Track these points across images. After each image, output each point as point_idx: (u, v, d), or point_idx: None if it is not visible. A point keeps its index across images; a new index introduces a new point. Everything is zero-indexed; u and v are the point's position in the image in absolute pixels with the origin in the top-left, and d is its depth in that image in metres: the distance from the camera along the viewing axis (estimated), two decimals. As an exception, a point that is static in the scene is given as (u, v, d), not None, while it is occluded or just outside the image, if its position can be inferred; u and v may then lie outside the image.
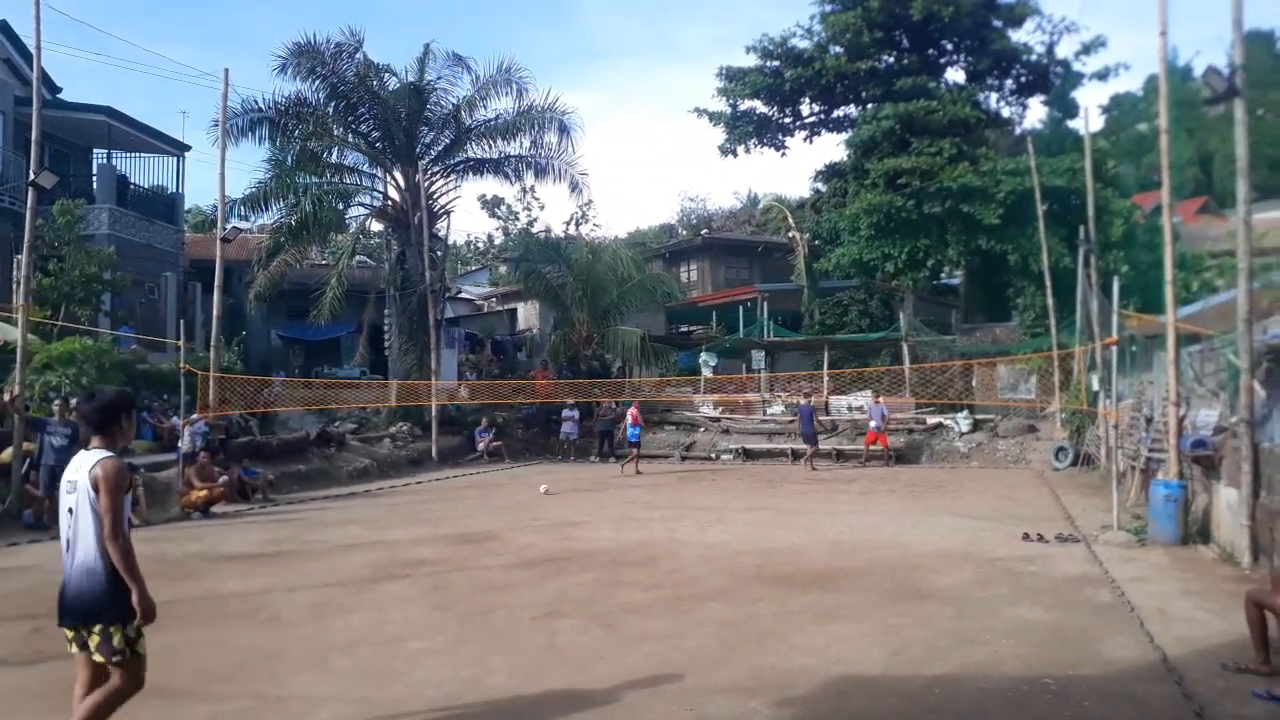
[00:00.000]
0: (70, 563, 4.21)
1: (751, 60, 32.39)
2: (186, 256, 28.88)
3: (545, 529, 12.76)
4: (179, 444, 15.94)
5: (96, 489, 4.11)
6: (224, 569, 10.02)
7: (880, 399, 23.93)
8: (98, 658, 4.22)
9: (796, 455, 23.40)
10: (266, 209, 26.29)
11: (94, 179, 26.54)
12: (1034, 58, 31.80)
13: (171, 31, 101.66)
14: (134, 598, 4.17)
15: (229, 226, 20.91)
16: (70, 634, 4.25)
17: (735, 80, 32.80)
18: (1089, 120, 23.37)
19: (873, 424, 22.78)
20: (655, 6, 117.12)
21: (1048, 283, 23.89)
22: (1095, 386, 17.81)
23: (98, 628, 4.17)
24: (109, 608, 4.17)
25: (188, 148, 29.12)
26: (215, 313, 18.97)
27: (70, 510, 4.22)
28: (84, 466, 4.18)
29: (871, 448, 22.66)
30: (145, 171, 29.06)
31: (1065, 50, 32.38)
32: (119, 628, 4.21)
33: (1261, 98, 36.76)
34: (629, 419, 22.57)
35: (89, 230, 22.89)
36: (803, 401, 23.28)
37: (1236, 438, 9.74)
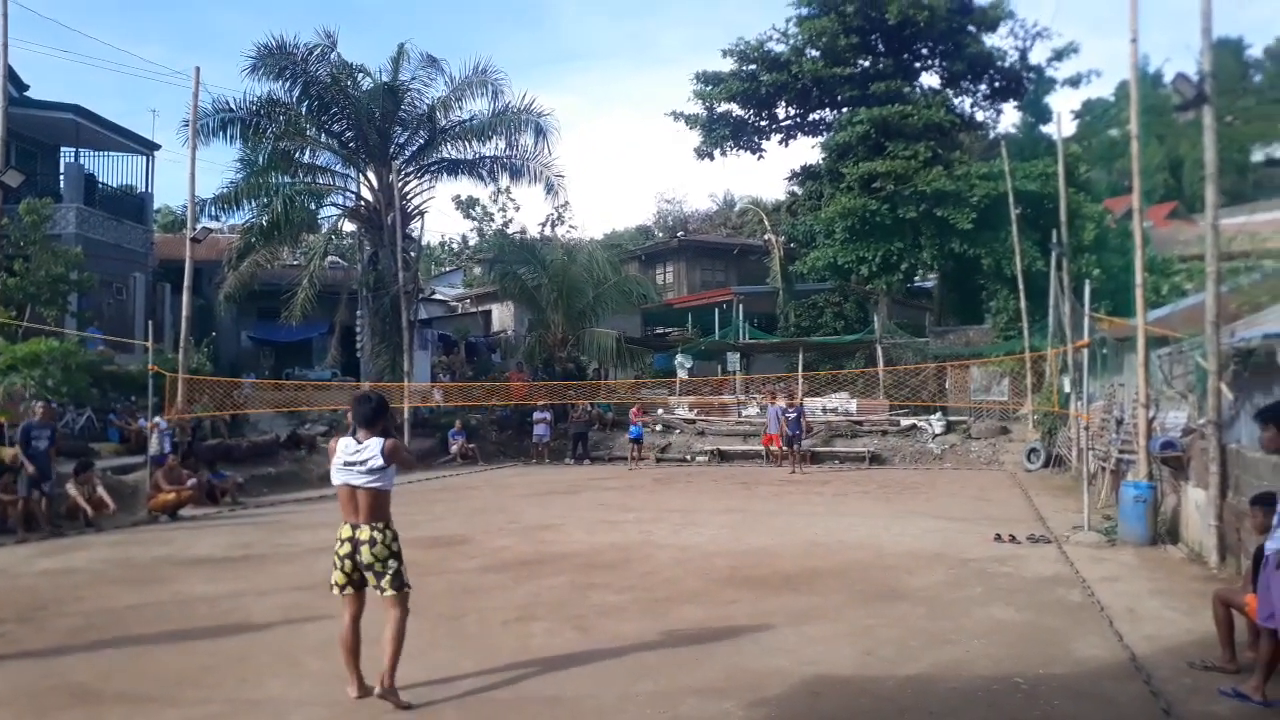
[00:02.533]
0: (361, 520, 5.46)
1: (728, 64, 32.44)
2: (155, 257, 28.51)
3: (519, 532, 12.70)
4: (147, 446, 15.72)
5: (388, 458, 5.42)
6: (192, 573, 9.89)
7: (786, 401, 23.65)
8: (388, 592, 5.47)
9: (770, 456, 23.40)
10: (238, 209, 26.07)
11: (61, 178, 26.14)
12: (1007, 63, 32.02)
13: (141, 30, 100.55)
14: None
15: (199, 226, 20.72)
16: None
17: (711, 84, 32.84)
18: (1061, 125, 23.72)
19: (774, 427, 22.59)
20: (630, 9, 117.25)
21: (1020, 286, 24.10)
22: (1067, 388, 17.97)
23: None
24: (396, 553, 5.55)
25: (157, 147, 28.76)
26: (184, 313, 18.78)
27: (356, 485, 5.43)
28: (367, 450, 5.41)
29: (770, 448, 22.98)
30: (114, 171, 28.66)
31: (1038, 56, 32.51)
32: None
33: (1230, 104, 37.39)
34: (630, 417, 24.55)
35: (56, 230, 22.53)
36: (784, 404, 22.42)
37: (1204, 439, 9.86)
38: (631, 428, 24.46)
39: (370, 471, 5.42)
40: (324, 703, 5.56)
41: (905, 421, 25.17)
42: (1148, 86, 25.51)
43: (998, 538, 11.30)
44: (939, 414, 24.94)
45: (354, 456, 5.44)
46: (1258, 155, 44.55)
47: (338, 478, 5.50)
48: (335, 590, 5.55)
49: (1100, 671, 6.06)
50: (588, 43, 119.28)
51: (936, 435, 24.25)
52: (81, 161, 26.57)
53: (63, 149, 26.91)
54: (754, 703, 5.47)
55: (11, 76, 16.59)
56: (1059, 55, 31.47)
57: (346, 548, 5.47)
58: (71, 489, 13.42)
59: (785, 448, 22.08)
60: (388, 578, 5.46)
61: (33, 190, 21.90)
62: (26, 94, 25.77)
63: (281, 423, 22.91)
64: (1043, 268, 23.89)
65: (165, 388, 17.29)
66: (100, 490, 13.79)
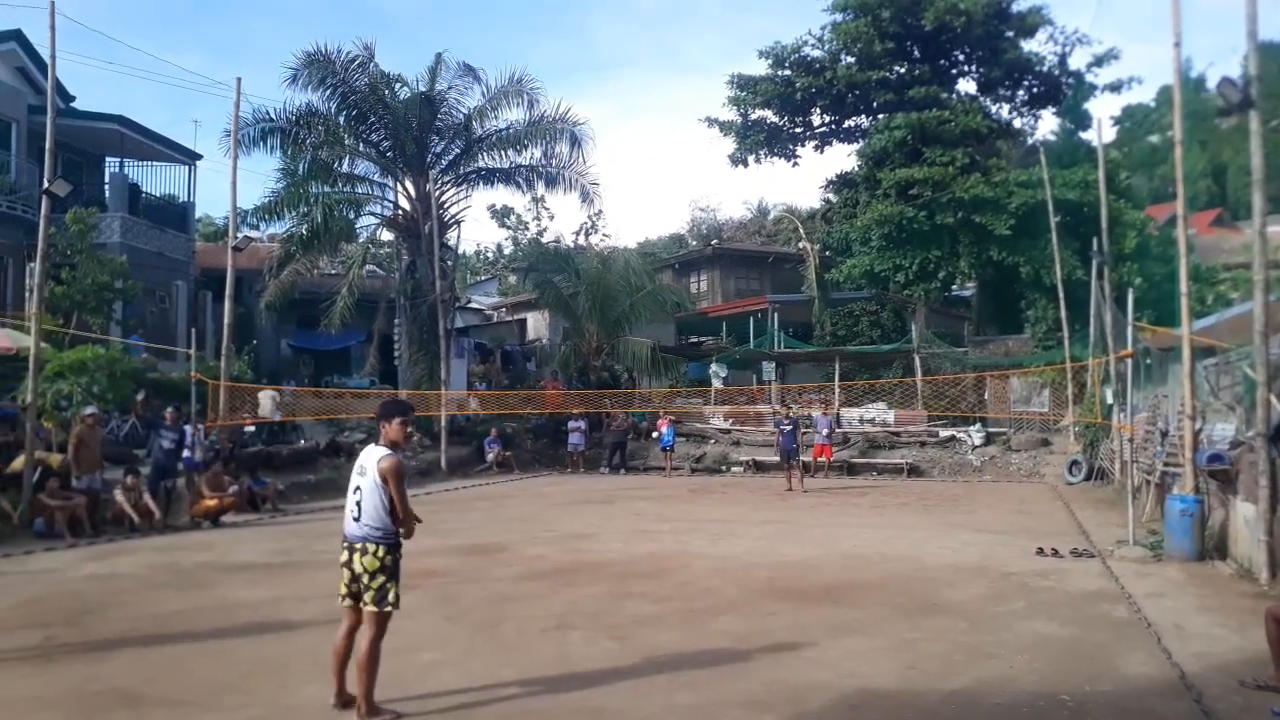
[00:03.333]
0: (359, 527, 5.45)
1: (763, 67, 32.42)
2: (197, 265, 28.94)
3: (555, 541, 12.71)
4: (189, 454, 15.95)
5: (383, 475, 5.41)
6: (234, 578, 10.01)
7: (827, 410, 23.85)
8: (369, 607, 5.41)
9: (813, 468, 22.41)
10: (278, 218, 26.41)
11: (106, 187, 26.65)
12: (1046, 69, 31.73)
13: (183, 41, 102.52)
14: (404, 531, 5.57)
15: (240, 235, 20.99)
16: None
17: (746, 89, 32.81)
18: (1102, 131, 23.34)
19: (819, 436, 22.38)
20: (659, 18, 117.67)
21: (1060, 295, 23.81)
22: (1109, 400, 17.69)
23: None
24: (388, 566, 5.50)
25: (199, 157, 29.24)
26: (226, 321, 19.04)
27: (359, 488, 5.47)
28: (373, 458, 5.49)
29: (818, 460, 22.32)
30: (157, 180, 29.14)
31: (1077, 62, 32.21)
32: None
33: (1276, 109, 36.63)
34: (659, 426, 24.81)
35: (101, 239, 22.97)
36: (785, 415, 21.19)
37: (1253, 452, 9.64)
38: (663, 436, 24.63)
39: (368, 479, 5.46)
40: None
41: (944, 433, 24.87)
42: (1190, 91, 25.19)
43: (1040, 551, 11.14)
44: (978, 425, 24.64)
45: (365, 461, 5.56)
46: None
47: (351, 482, 5.58)
48: (340, 600, 5.56)
49: (1148, 689, 5.93)
50: (619, 51, 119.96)
51: (976, 447, 23.96)
52: (126, 171, 27.08)
53: (108, 159, 27.45)
54: (795, 715, 5.43)
55: (58, 88, 16.94)
56: (1099, 61, 31.16)
57: (345, 555, 5.50)
58: (118, 495, 13.65)
59: (783, 463, 20.16)
60: (371, 592, 5.41)
61: (79, 200, 22.33)
62: (73, 105, 26.34)
63: (321, 430, 23.14)
64: (1083, 276, 23.60)
65: (208, 395, 17.55)
66: (146, 497, 14.01)
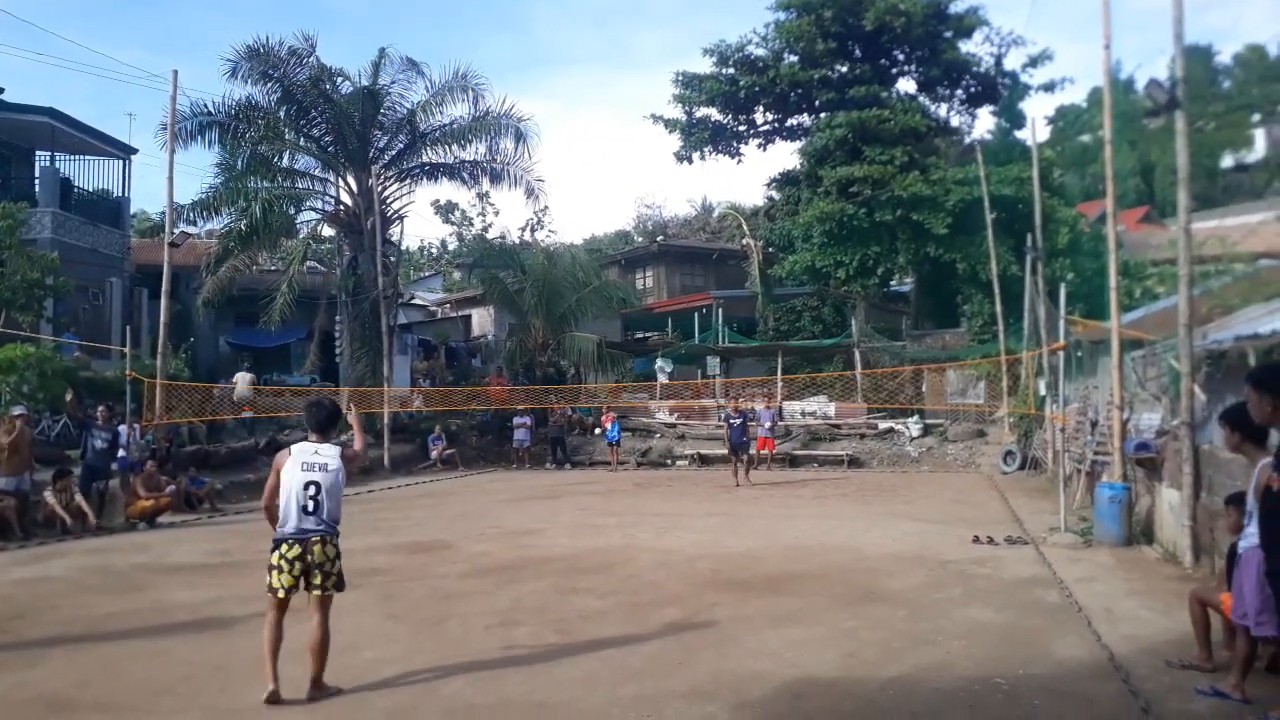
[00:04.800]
0: (316, 520, 5.67)
1: (708, 64, 32.58)
2: (132, 262, 28.25)
3: (500, 537, 12.67)
4: (123, 453, 15.58)
5: (347, 461, 5.85)
6: (171, 580, 9.82)
7: (770, 403, 24.19)
8: (329, 592, 5.72)
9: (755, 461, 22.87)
10: (216, 213, 25.83)
11: (36, 182, 25.84)
12: (983, 69, 32.30)
13: (118, 33, 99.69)
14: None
15: (177, 231, 20.53)
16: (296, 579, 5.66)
17: (691, 87, 32.92)
18: (1036, 131, 23.88)
19: (762, 429, 22.38)
20: (606, 14, 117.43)
21: (996, 290, 24.29)
22: (1042, 391, 18.14)
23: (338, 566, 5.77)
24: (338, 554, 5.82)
25: (134, 151, 28.53)
26: (162, 319, 18.63)
27: (316, 483, 5.66)
28: (327, 453, 5.75)
29: (761, 452, 22.20)
30: (90, 175, 28.38)
31: (1013, 62, 32.82)
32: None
33: (1201, 110, 37.81)
34: (604, 422, 24.93)
35: (31, 234, 22.29)
36: (734, 409, 20.64)
37: (1178, 440, 9.96)
38: (608, 431, 24.89)
39: (329, 473, 5.70)
40: (303, 710, 5.52)
41: (883, 425, 25.31)
42: (1120, 92, 25.80)
43: (976, 540, 11.39)
44: (916, 417, 25.11)
45: (313, 459, 5.72)
46: (1227, 161, 45.18)
47: (298, 479, 5.66)
48: (279, 593, 5.65)
49: (1079, 671, 6.12)
50: (564, 47, 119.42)
51: (914, 438, 24.40)
52: (57, 165, 26.30)
53: (38, 153, 26.64)
54: (738, 705, 5.49)
55: (-15, 80, 16.41)
56: (1033, 62, 31.79)
57: (297, 549, 5.63)
58: (49, 497, 13.28)
59: (731, 456, 20.03)
60: (333, 578, 5.72)
61: (7, 194, 21.70)
62: (1, 97, 25.50)
63: (260, 429, 22.73)
64: (1017, 272, 24.11)
65: (143, 394, 17.15)
66: (78, 498, 13.66)
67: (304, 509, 5.64)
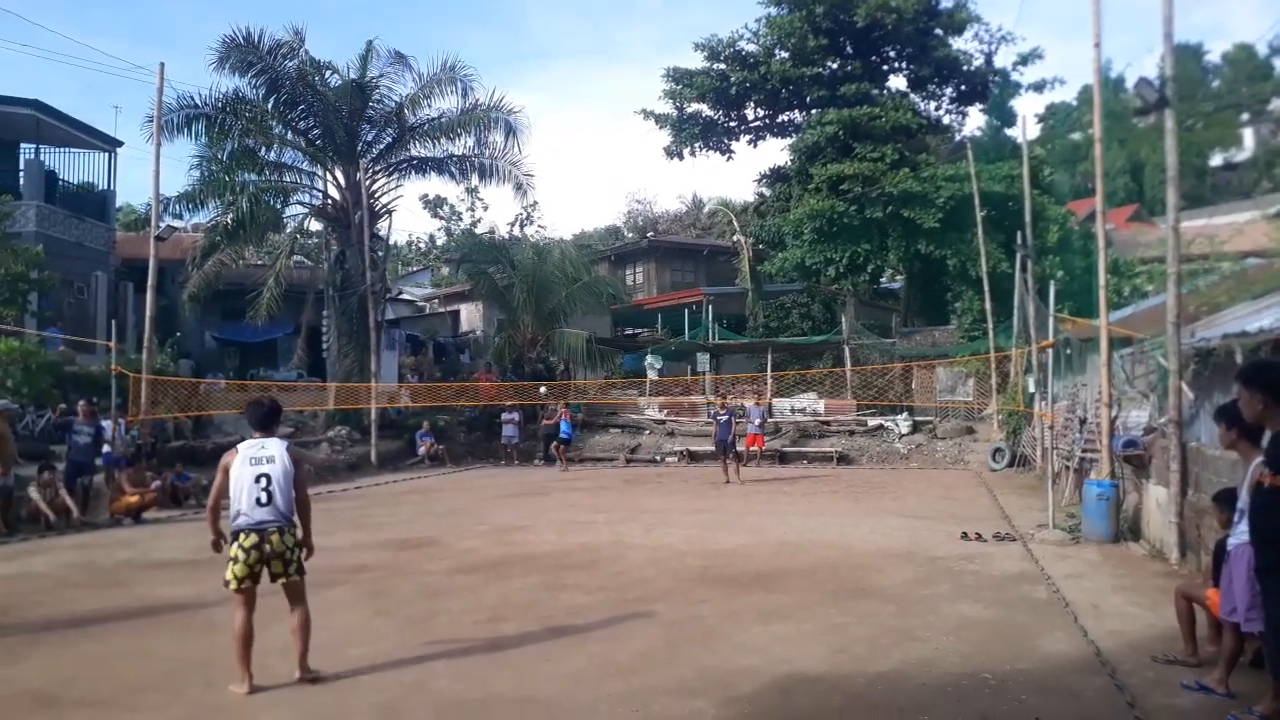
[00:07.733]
0: (271, 511, 5.77)
1: (699, 59, 32.54)
2: (118, 256, 28.07)
3: (488, 533, 12.64)
4: (108, 449, 15.47)
5: (294, 456, 5.96)
6: (156, 576, 9.76)
7: (760, 400, 24.21)
8: (294, 578, 5.87)
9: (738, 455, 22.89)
10: (202, 207, 25.69)
11: (21, 174, 25.69)
12: (973, 67, 32.37)
13: (104, 24, 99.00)
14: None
15: (163, 225, 20.40)
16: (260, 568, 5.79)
17: (682, 82, 32.89)
18: (1026, 129, 23.96)
19: (752, 426, 22.32)
20: (596, 8, 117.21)
21: (985, 287, 24.33)
22: (1031, 388, 18.17)
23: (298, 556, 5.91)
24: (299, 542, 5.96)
25: (120, 143, 28.32)
26: (148, 313, 18.49)
27: (266, 475, 5.78)
28: (273, 447, 5.89)
29: (750, 449, 22.15)
30: (75, 167, 28.20)
31: (1003, 60, 33.06)
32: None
33: (1190, 109, 37.99)
34: (557, 417, 24.08)
35: (15, 228, 22.14)
36: (721, 406, 20.74)
37: (1165, 437, 10.01)
38: (560, 428, 23.92)
39: (277, 464, 5.83)
40: (289, 705, 5.50)
41: (872, 421, 25.35)
42: (1110, 91, 25.92)
43: (964, 536, 11.42)
44: (905, 414, 25.16)
45: (260, 453, 5.87)
46: (1216, 159, 45.41)
47: (248, 473, 5.78)
48: (236, 585, 5.75)
49: (1066, 666, 6.13)
50: (553, 41, 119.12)
51: (903, 435, 24.45)
52: (42, 158, 26.11)
53: (22, 145, 26.46)
54: (726, 701, 5.48)
55: (-32, 71, 16.26)
56: (1024, 60, 31.88)
57: (254, 538, 5.74)
58: (33, 492, 13.19)
59: (720, 454, 19.75)
60: (295, 564, 5.86)
61: (-9, 187, 21.51)
62: (-16, 88, 25.31)
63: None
64: (1007, 269, 24.15)
65: (129, 389, 17.04)
66: (63, 493, 13.56)
67: (258, 501, 5.74)
